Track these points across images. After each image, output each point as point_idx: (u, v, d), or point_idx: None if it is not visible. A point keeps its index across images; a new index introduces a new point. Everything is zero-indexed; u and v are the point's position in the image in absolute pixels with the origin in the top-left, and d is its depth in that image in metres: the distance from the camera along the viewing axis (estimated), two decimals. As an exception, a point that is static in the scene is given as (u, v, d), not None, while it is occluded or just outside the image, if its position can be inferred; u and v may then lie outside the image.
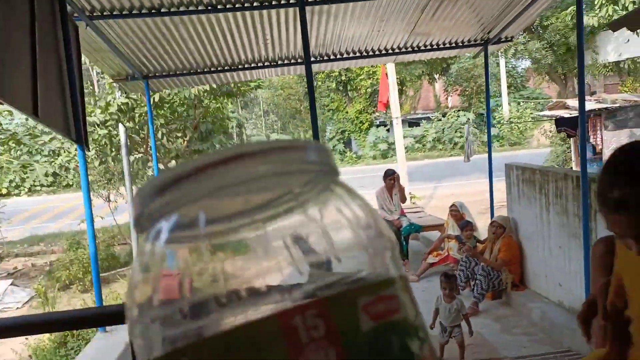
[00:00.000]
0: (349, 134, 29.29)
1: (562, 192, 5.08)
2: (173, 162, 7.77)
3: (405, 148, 26.57)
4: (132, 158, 7.74)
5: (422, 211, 9.26)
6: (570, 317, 4.94)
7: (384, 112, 22.38)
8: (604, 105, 10.00)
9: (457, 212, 7.22)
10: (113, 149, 6.93)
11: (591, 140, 10.03)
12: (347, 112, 29.24)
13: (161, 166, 7.45)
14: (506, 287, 5.86)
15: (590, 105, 9.79)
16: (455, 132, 27.44)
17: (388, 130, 26.86)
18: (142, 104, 6.64)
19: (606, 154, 10.13)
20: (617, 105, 9.82)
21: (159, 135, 6.88)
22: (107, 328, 4.05)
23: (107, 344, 3.73)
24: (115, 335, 3.83)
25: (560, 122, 10.76)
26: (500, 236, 5.99)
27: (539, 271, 5.66)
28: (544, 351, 4.65)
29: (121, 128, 6.23)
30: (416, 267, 7.35)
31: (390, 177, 7.89)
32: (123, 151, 6.31)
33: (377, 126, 28.64)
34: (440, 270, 7.00)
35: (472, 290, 5.85)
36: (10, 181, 20.48)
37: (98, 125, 6.51)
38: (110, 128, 6.77)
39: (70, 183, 12.63)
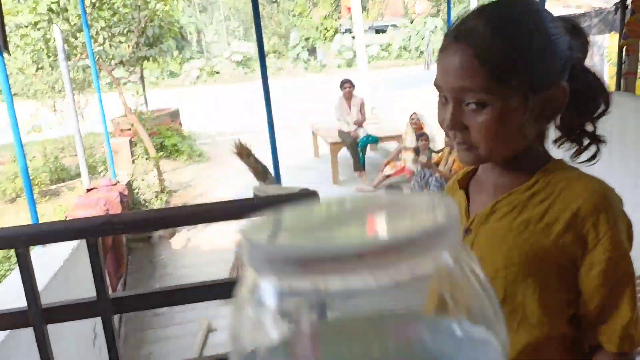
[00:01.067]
0: (313, 41, 28.32)
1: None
2: (116, 69, 7.30)
3: (371, 57, 26.04)
4: (71, 63, 7.23)
5: (381, 122, 9.14)
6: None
7: (349, 17, 21.52)
8: (570, 11, 9.77)
9: (417, 122, 7.12)
10: (50, 54, 6.41)
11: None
12: (311, 18, 28.08)
13: (103, 73, 7.00)
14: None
15: (556, 10, 9.53)
16: (422, 39, 26.87)
17: (354, 37, 26.07)
18: (78, 4, 6.07)
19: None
20: (583, 10, 9.60)
21: (100, 39, 6.38)
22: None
23: (42, 262, 3.58)
24: (51, 253, 3.69)
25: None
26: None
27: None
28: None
29: (56, 30, 5.70)
30: (373, 178, 7.35)
31: (346, 84, 7.66)
32: (60, 56, 5.82)
33: (343, 33, 27.72)
34: (397, 181, 7.03)
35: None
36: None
37: (26, 26, 5.94)
38: (44, 30, 6.21)
39: (15, 92, 11.94)
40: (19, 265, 1.22)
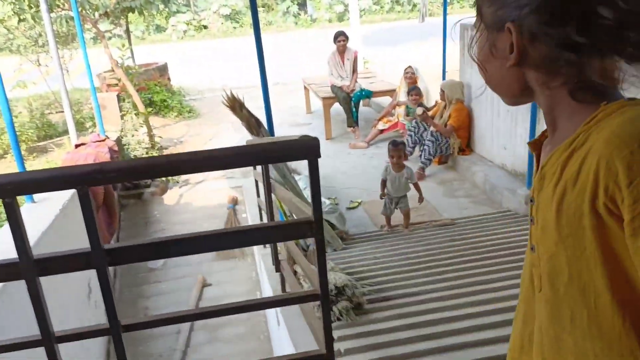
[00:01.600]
0: (303, -6, 27.55)
1: (514, 53, 4.88)
2: (101, 22, 7.02)
3: (362, 10, 25.44)
4: (54, 16, 6.96)
5: (374, 76, 8.98)
6: (511, 179, 5.03)
7: (341, -31, 20.94)
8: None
9: (412, 75, 6.99)
10: (32, 5, 6.14)
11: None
12: (301, -30, 27.23)
13: (87, 25, 6.73)
14: (453, 151, 5.87)
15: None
16: (415, -7, 26.24)
17: (345, -10, 25.37)
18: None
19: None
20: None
21: (83, -12, 6.12)
22: (36, 198, 3.84)
23: (33, 216, 3.53)
24: (41, 209, 3.63)
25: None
26: (447, 102, 5.88)
27: (486, 135, 5.65)
28: (484, 212, 4.77)
29: (37, -21, 5.45)
30: (366, 133, 7.27)
31: (340, 38, 7.45)
32: (42, 7, 5.59)
33: (334, -14, 26.96)
34: (390, 137, 6.95)
35: (420, 156, 5.84)
36: None
37: (6, -25, 5.68)
38: (24, -21, 5.94)
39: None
40: (7, 216, 1.16)
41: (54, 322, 1.31)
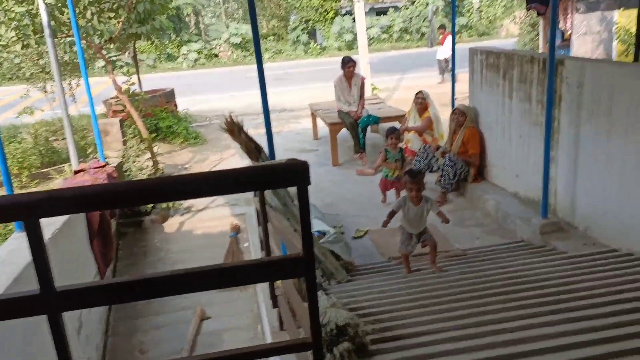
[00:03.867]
0: (313, 23, 27.80)
1: (526, 77, 4.71)
2: (106, 46, 6.97)
3: (372, 39, 25.58)
4: (57, 41, 6.93)
5: (382, 102, 8.85)
6: (524, 209, 4.80)
7: (349, -2, 21.12)
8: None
9: (422, 101, 6.83)
10: (36, 31, 6.11)
11: (560, 25, 9.53)
12: (311, 0, 27.54)
13: (96, 55, 6.61)
14: (466, 178, 5.66)
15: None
16: (423, 21, 26.37)
17: (354, 20, 25.57)
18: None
19: (574, 41, 9.72)
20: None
21: (88, 15, 6.07)
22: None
23: (23, 246, 3.35)
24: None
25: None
26: (462, 125, 5.69)
27: (498, 162, 5.45)
28: (497, 242, 4.53)
29: (41, 4, 5.41)
30: (373, 160, 7.09)
31: (349, 64, 7.35)
32: (46, 32, 5.53)
33: (343, 15, 27.20)
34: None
35: (440, 181, 5.65)
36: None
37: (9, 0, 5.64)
38: (29, 5, 5.90)
39: (6, 75, 11.63)
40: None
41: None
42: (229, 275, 1.19)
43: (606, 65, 4.38)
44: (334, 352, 2.28)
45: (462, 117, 5.70)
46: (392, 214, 3.75)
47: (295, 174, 1.13)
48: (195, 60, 25.62)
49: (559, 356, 2.25)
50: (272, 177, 1.16)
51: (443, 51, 13.21)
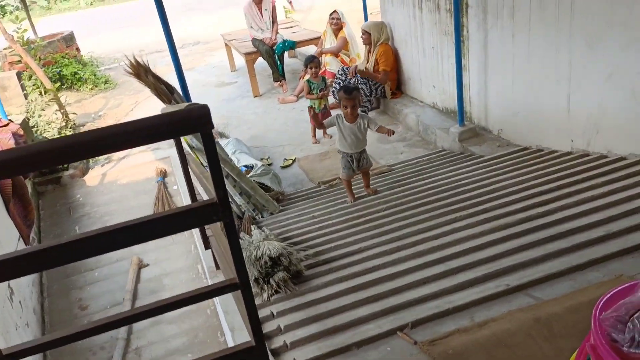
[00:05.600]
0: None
1: (434, -14, 4.70)
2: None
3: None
4: None
5: (297, 25, 8.61)
6: (443, 118, 4.96)
7: None
8: None
9: (337, 21, 6.69)
10: None
11: None
12: None
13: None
14: (384, 94, 5.72)
15: None
16: None
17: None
18: None
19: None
20: None
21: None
22: None
23: None
24: None
25: None
26: (370, 44, 5.68)
27: (414, 75, 5.53)
28: (420, 154, 4.69)
29: None
30: (294, 86, 7.00)
31: (256, -14, 7.03)
32: None
33: None
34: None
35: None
36: None
37: None
38: None
39: None
40: None
41: None
42: (148, 229, 1.17)
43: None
44: (270, 282, 2.34)
45: (365, 35, 5.68)
46: (322, 126, 3.80)
47: (198, 120, 1.10)
48: (93, -4, 23.59)
49: (479, 255, 2.43)
50: (174, 128, 1.11)
51: None
